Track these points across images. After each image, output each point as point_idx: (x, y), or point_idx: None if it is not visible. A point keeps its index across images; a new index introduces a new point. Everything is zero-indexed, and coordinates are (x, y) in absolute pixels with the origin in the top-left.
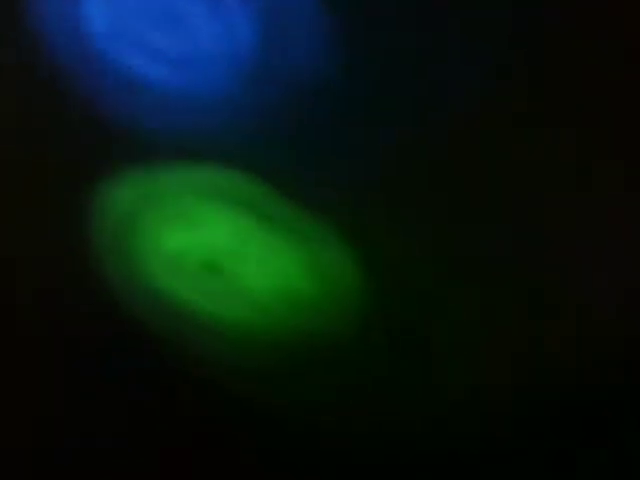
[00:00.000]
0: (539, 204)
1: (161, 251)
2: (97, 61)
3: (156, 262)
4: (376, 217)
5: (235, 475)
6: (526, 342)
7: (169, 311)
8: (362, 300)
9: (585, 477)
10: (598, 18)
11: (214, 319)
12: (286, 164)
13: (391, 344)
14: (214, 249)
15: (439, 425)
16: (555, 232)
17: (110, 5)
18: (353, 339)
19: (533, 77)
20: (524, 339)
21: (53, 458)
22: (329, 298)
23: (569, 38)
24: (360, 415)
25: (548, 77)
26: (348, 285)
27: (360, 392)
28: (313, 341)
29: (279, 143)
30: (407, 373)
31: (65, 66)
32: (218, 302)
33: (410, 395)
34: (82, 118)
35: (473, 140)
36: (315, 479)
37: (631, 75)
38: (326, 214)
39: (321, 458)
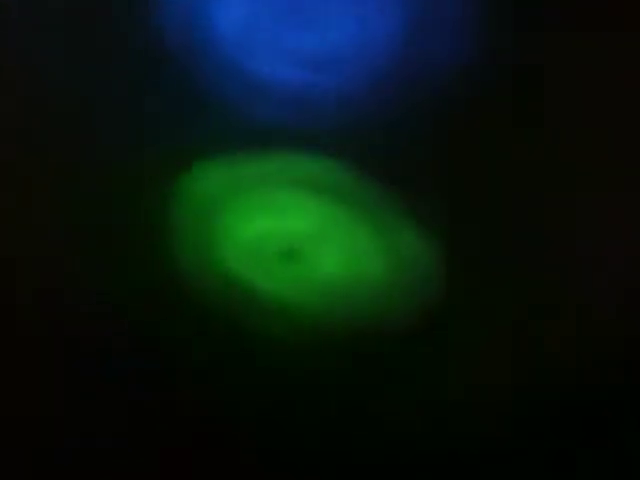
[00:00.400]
0: (539, 204)
1: (240, 238)
2: (218, 57)
3: (234, 249)
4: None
5: (235, 475)
6: (526, 342)
7: (244, 298)
8: (437, 292)
9: (585, 477)
10: (598, 18)
11: (289, 305)
12: (374, 153)
13: (389, 344)
14: (293, 236)
15: (439, 425)
16: (555, 232)
17: (239, 4)
18: (426, 332)
19: (533, 77)
20: (524, 339)
21: (53, 458)
22: (405, 287)
23: (569, 38)
24: (360, 415)
25: (548, 77)
26: (424, 275)
27: (360, 391)
28: (383, 330)
29: (370, 132)
30: (407, 373)
31: (191, 65)
32: (294, 288)
33: (410, 395)
34: (82, 117)
35: (473, 140)
36: (315, 479)
37: (631, 75)
38: (407, 203)
39: (321, 458)
